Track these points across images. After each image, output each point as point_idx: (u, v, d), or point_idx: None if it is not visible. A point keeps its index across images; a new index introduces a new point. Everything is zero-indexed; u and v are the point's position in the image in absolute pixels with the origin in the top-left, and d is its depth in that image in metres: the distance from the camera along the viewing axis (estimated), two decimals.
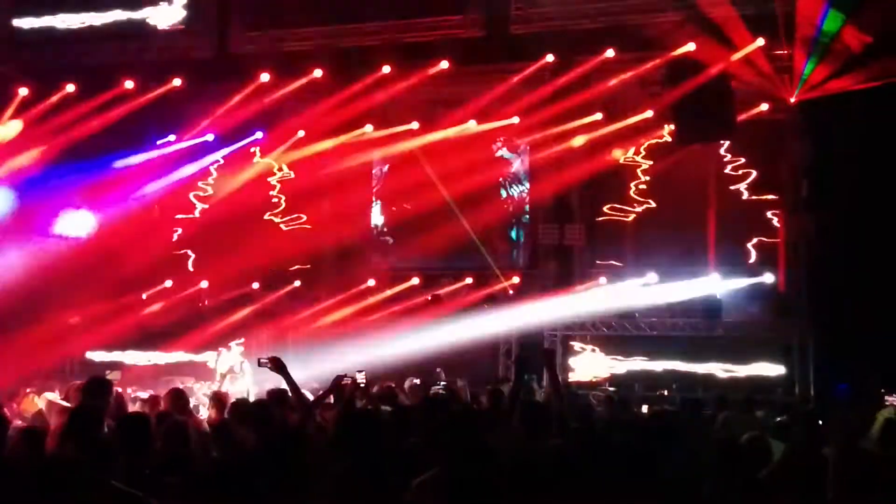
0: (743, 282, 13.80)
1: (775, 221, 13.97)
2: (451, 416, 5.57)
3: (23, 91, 14.53)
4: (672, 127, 13.48)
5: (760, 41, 12.61)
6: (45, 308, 13.85)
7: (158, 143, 15.52)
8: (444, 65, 13.80)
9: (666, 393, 12.98)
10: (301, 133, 15.09)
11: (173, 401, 7.42)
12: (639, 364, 13.93)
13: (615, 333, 14.37)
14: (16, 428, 6.14)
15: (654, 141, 14.24)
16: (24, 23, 15.13)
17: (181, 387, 9.20)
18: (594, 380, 14.09)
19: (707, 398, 10.29)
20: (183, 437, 5.71)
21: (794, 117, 13.32)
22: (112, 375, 11.43)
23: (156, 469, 5.10)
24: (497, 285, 15.06)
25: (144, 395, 9.28)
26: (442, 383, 10.78)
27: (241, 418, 6.32)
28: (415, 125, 14.98)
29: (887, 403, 10.79)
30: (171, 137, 15.45)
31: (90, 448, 4.75)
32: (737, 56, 12.68)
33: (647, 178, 14.48)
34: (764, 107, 13.40)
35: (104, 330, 14.14)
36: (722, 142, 13.86)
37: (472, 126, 14.67)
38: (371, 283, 15.53)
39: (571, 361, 14.38)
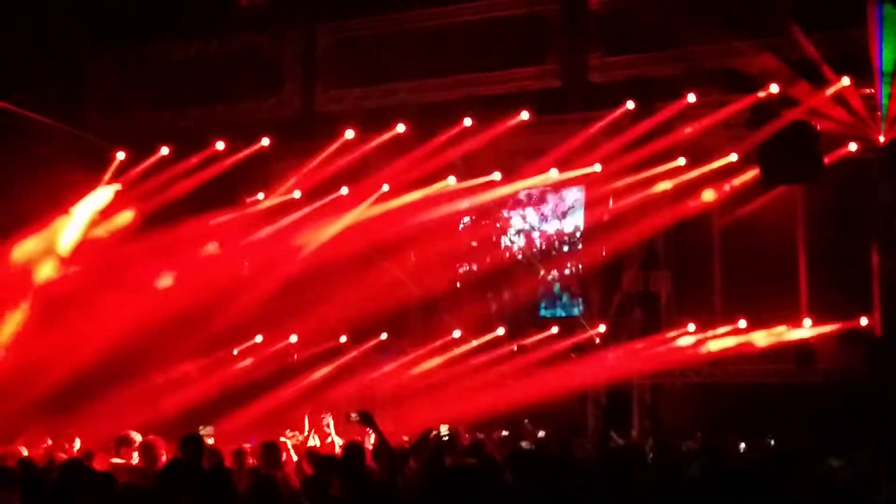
0: (836, 326, 13.44)
1: (868, 263, 13.60)
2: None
3: (120, 155, 15.07)
4: (757, 170, 13.27)
5: (846, 80, 12.40)
6: (140, 364, 14.26)
7: (248, 200, 15.89)
8: (524, 115, 13.89)
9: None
10: (385, 187, 15.31)
11: (264, 454, 7.52)
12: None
13: (705, 381, 14.09)
14: None
15: (739, 184, 14.03)
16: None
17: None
18: None
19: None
20: (274, 492, 5.79)
21: (882, 156, 13.01)
22: (205, 431, 11.65)
23: None
24: (583, 334, 14.95)
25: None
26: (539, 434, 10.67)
27: (330, 472, 6.39)
28: (497, 175, 15.07)
29: None
30: (260, 195, 15.82)
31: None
32: (822, 95, 12.49)
33: (734, 222, 14.27)
34: (852, 147, 13.13)
35: (199, 385, 14.48)
36: (810, 184, 13.60)
37: (553, 174, 14.69)
38: (457, 334, 15.57)
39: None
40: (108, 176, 15.22)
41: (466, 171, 15.13)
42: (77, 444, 9.81)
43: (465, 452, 8.24)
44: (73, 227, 15.01)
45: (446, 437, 7.42)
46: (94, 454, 8.68)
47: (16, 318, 14.20)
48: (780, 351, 13.57)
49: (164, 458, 7.48)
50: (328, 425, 10.86)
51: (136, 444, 8.01)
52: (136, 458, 7.90)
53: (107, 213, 15.23)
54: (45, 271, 14.70)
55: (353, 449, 7.09)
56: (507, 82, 14.25)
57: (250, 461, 7.63)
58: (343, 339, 15.92)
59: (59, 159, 14.35)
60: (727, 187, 14.13)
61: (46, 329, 13.61)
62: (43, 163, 14.17)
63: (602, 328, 14.89)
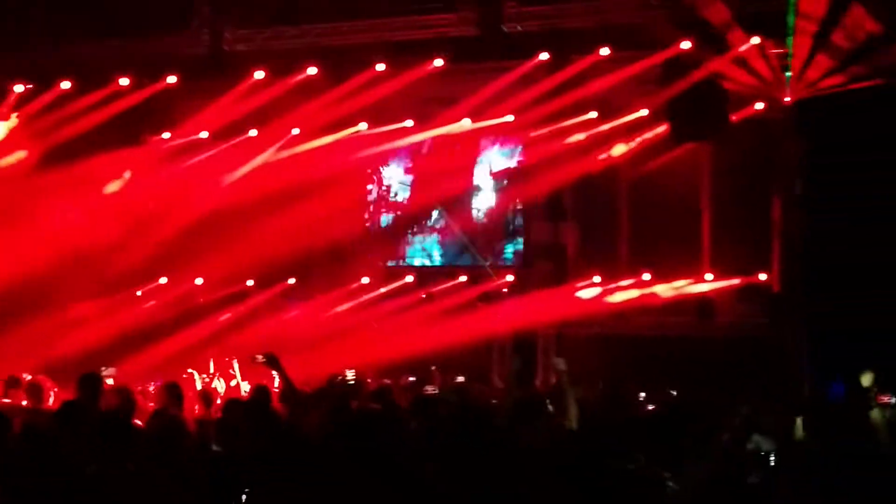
0: (736, 281, 13.82)
1: (769, 221, 13.98)
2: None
3: (18, 88, 14.48)
4: (666, 126, 13.47)
5: (756, 40, 12.62)
6: (39, 304, 13.87)
7: (153, 139, 15.48)
8: (438, 62, 13.80)
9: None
10: (295, 131, 15.07)
11: (167, 394, 7.42)
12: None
13: (609, 332, 14.38)
14: None
15: (648, 139, 14.22)
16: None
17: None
18: None
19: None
20: (179, 432, 5.71)
21: (788, 116, 13.33)
22: (107, 372, 11.43)
23: (148, 462, 5.10)
24: (491, 283, 15.08)
25: None
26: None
27: (237, 414, 6.32)
28: (409, 123, 14.98)
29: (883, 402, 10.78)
30: (166, 135, 15.42)
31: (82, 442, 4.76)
32: (732, 54, 12.70)
33: (642, 177, 14.49)
34: (759, 106, 13.41)
35: (100, 326, 14.17)
36: (716, 141, 13.86)
37: (466, 124, 14.66)
38: (365, 280, 15.55)
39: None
40: (4, 110, 14.63)
41: (378, 118, 15.01)
42: None
43: (370, 398, 8.26)
44: None
45: (352, 382, 7.41)
46: None
47: None
48: (682, 304, 13.90)
49: (51, 399, 7.34)
50: (234, 368, 10.77)
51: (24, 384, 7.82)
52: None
53: (4, 148, 14.65)
54: None
55: (260, 392, 7.03)
56: (421, 28, 14.09)
57: (150, 403, 7.52)
58: (250, 282, 15.74)
59: None
60: (636, 142, 14.32)
61: None
62: None
63: (509, 277, 15.03)
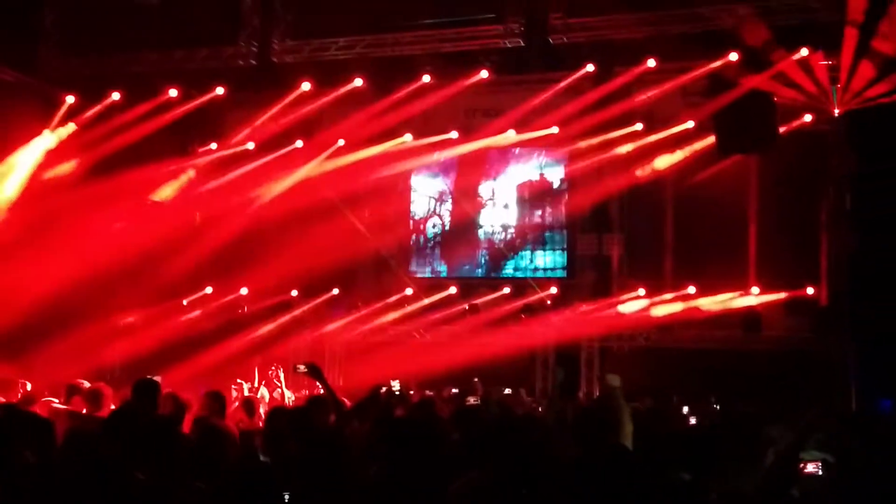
0: (783, 295, 13.65)
1: (817, 234, 13.80)
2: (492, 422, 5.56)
3: (70, 99, 14.72)
4: (713, 138, 13.35)
5: (804, 51, 12.48)
6: (87, 313, 14.05)
7: (200, 150, 15.66)
8: (484, 74, 13.82)
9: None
10: (341, 142, 15.17)
11: (210, 403, 7.46)
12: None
13: (653, 345, 14.26)
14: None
15: (694, 151, 14.10)
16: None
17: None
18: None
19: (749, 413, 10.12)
20: (220, 440, 5.74)
21: (837, 129, 13.16)
22: (156, 379, 11.50)
23: (188, 472, 5.13)
24: (534, 295, 15.03)
25: None
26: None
27: (282, 424, 6.34)
28: (454, 134, 15.01)
29: None
30: (213, 146, 15.59)
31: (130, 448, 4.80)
32: (781, 66, 12.56)
33: (688, 189, 14.38)
34: (807, 118, 13.25)
35: (147, 335, 14.33)
36: (764, 153, 13.71)
37: (511, 135, 14.65)
38: (409, 291, 15.58)
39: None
40: (56, 120, 14.87)
41: (424, 129, 15.05)
42: (28, 387, 9.65)
43: (413, 409, 8.25)
44: (18, 171, 14.64)
45: (397, 393, 7.40)
46: (35, 399, 8.56)
47: None
48: (728, 318, 13.75)
49: (111, 407, 7.41)
50: (278, 378, 10.82)
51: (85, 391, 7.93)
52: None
53: (55, 158, 14.88)
54: None
55: (315, 402, 7.03)
56: (467, 40, 14.11)
57: (195, 410, 7.56)
58: (294, 293, 15.84)
59: (6, 105, 13.93)
60: (682, 154, 14.21)
61: None
62: None
63: (553, 290, 14.97)
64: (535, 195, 15.66)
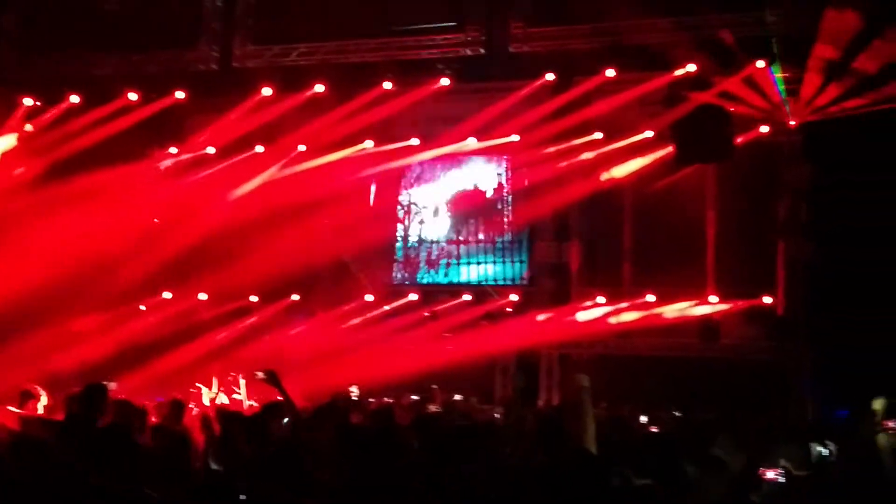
0: (741, 303, 13.80)
1: (774, 244, 13.98)
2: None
3: (27, 101, 14.55)
4: (671, 148, 13.50)
5: (761, 63, 12.67)
6: (43, 317, 13.88)
7: (159, 154, 15.53)
8: (445, 81, 13.86)
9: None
10: (302, 147, 15.13)
11: (171, 410, 7.41)
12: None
13: (611, 353, 14.35)
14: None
15: (653, 161, 14.24)
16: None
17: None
18: None
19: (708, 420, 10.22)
20: (183, 449, 5.69)
21: (793, 140, 13.36)
22: (109, 385, 11.37)
23: (150, 480, 5.08)
24: (495, 303, 15.07)
25: None
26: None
27: (238, 430, 6.30)
28: (415, 141, 15.04)
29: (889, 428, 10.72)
30: (172, 150, 15.47)
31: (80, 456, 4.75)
32: (737, 77, 12.74)
33: (646, 198, 14.50)
34: (764, 129, 13.43)
35: (103, 340, 14.17)
36: (721, 163, 13.88)
37: (471, 143, 14.71)
38: (369, 298, 15.55)
39: None
40: (13, 123, 14.70)
41: (384, 136, 15.05)
42: None
43: (371, 416, 8.24)
44: None
45: (355, 399, 7.40)
46: None
47: None
48: (686, 326, 13.88)
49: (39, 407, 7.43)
50: (237, 384, 10.76)
51: (39, 396, 7.88)
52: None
53: (10, 161, 14.70)
54: None
55: (268, 408, 7.01)
56: (428, 48, 14.17)
57: (152, 418, 7.50)
58: (253, 298, 15.75)
59: None
60: (641, 163, 14.33)
61: None
62: None
63: (514, 297, 15.02)
64: (470, 206, 15.72)
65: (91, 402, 6.46)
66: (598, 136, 14.11)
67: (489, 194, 15.67)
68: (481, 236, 15.63)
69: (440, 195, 15.98)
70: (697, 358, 13.83)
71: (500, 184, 15.59)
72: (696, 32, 12.83)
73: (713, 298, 13.91)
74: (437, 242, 15.86)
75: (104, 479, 4.69)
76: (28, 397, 8.18)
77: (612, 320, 14.28)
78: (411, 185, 16.11)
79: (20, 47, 15.47)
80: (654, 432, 9.72)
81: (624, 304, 14.34)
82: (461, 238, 15.69)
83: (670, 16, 12.98)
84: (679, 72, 12.95)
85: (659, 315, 14.05)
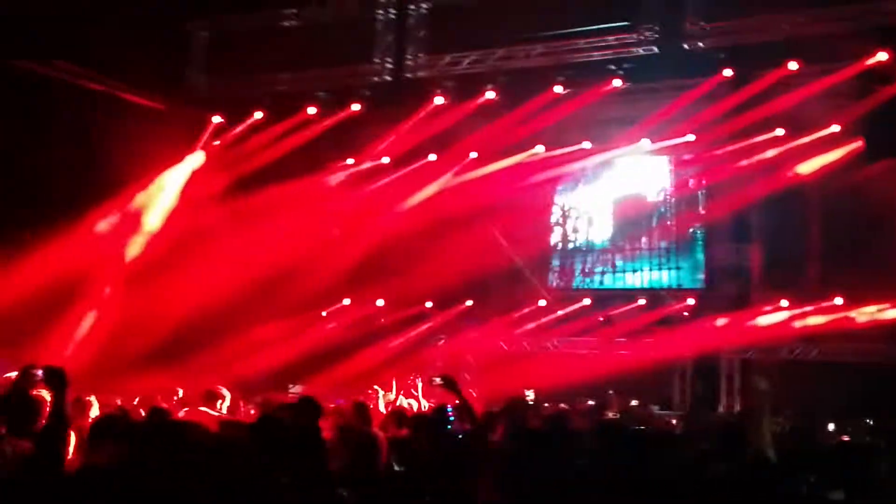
0: None
1: None
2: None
3: (216, 119, 15.31)
4: (861, 141, 12.79)
5: None
6: (231, 325, 14.59)
7: (337, 166, 16.03)
8: (617, 82, 13.64)
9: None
10: (474, 154, 15.26)
11: (357, 413, 7.59)
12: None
13: (798, 358, 13.76)
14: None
15: (840, 156, 13.54)
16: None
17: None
18: None
19: None
20: (371, 450, 5.80)
21: None
22: (294, 389, 11.85)
23: (339, 481, 5.23)
24: (671, 307, 14.73)
25: None
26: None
27: (420, 432, 6.41)
28: (587, 145, 14.89)
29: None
30: (349, 161, 15.94)
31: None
32: None
33: (832, 195, 13.82)
34: None
35: (287, 346, 14.77)
36: None
37: (645, 144, 14.42)
38: (542, 303, 15.52)
39: None
40: (203, 141, 15.49)
41: (556, 140, 14.98)
42: (180, 393, 10.12)
43: (547, 420, 8.20)
44: (167, 191, 15.32)
45: (531, 403, 7.39)
46: (187, 404, 9.01)
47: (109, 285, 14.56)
48: (877, 330, 13.13)
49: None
50: (416, 388, 10.95)
51: (224, 397, 8.28)
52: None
53: (202, 177, 15.50)
54: (144, 230, 15.06)
55: (440, 410, 7.08)
56: (600, 49, 13.96)
57: (339, 420, 7.72)
58: (429, 304, 16.03)
59: (155, 130, 14.60)
60: (827, 159, 13.65)
61: (140, 292, 13.95)
62: (139, 135, 14.39)
63: (691, 301, 14.64)
64: (633, 212, 15.42)
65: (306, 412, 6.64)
66: (780, 132, 13.53)
67: (651, 198, 15.34)
68: (644, 242, 15.31)
69: (600, 200, 15.78)
70: (890, 364, 13.05)
71: (664, 188, 15.25)
72: (884, 18, 12.07)
73: None
74: (594, 250, 15.68)
75: (296, 479, 4.86)
76: (213, 397, 8.60)
77: (797, 324, 13.69)
78: (568, 189, 16.00)
79: (208, 69, 16.32)
80: (844, 441, 9.22)
81: (809, 308, 13.72)
82: (622, 245, 15.44)
83: (854, 3, 12.29)
84: (868, 62, 12.21)
85: (848, 319, 13.38)
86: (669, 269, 15.18)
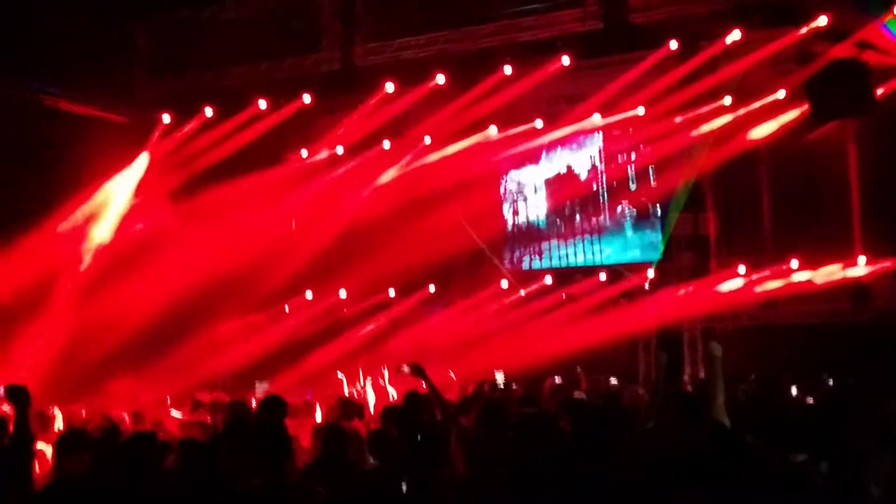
0: (892, 264, 13.18)
1: None
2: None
3: (165, 118, 15.14)
4: (806, 106, 12.96)
5: None
6: (196, 321, 14.52)
7: (292, 158, 15.94)
8: (565, 60, 13.70)
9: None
10: (427, 139, 15.26)
11: (341, 408, 7.60)
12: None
13: (758, 323, 13.96)
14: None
15: (787, 121, 13.70)
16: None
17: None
18: None
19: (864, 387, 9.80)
20: (347, 444, 5.82)
21: None
22: (261, 386, 11.83)
23: (313, 475, 5.23)
24: (631, 280, 14.86)
25: None
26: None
27: (392, 422, 6.43)
28: (538, 123, 14.95)
29: None
30: (303, 153, 15.86)
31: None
32: (874, 25, 12.12)
33: (783, 160, 14.00)
34: None
35: (251, 343, 14.72)
36: (861, 118, 13.25)
37: (596, 120, 14.51)
38: (505, 283, 15.59)
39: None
40: (153, 142, 15.32)
41: (508, 120, 15.01)
42: (140, 400, 10.05)
43: (519, 402, 8.27)
44: (119, 195, 15.14)
45: (502, 386, 7.43)
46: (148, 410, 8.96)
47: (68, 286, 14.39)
48: (835, 290, 13.36)
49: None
50: (383, 377, 10.97)
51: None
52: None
53: (155, 178, 15.34)
54: (98, 237, 14.89)
55: (411, 398, 7.10)
56: (546, 27, 14.02)
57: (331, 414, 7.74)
58: (391, 292, 16.03)
59: (103, 135, 14.39)
60: (774, 125, 13.82)
61: (97, 298, 13.80)
62: (86, 142, 14.17)
63: (650, 273, 14.78)
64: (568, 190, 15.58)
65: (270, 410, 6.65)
66: (728, 101, 13.67)
67: (584, 177, 15.47)
68: (597, 219, 15.43)
69: (543, 178, 15.88)
70: (848, 323, 13.30)
71: (594, 166, 15.36)
72: None
73: (862, 260, 13.33)
74: (542, 228, 15.79)
75: (266, 478, 4.87)
76: (198, 406, 8.58)
77: (756, 290, 13.88)
78: (521, 169, 16.06)
79: (152, 67, 16.13)
80: (808, 404, 9.39)
81: (766, 273, 13.93)
82: (570, 222, 15.57)
83: None
84: (810, 26, 12.36)
85: (805, 281, 13.59)
86: (626, 243, 15.29)
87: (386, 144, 15.51)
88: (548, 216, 15.84)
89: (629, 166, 15.29)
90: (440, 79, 14.20)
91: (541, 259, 15.89)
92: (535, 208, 15.98)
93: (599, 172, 15.48)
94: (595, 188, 15.51)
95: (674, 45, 13.31)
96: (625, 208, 15.30)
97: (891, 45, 12.28)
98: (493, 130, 15.14)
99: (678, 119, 13.98)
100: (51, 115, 13.85)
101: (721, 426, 5.55)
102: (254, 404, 8.30)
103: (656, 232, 15.02)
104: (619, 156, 15.37)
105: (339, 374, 11.49)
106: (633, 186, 15.24)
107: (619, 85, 13.88)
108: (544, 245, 15.86)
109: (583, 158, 15.60)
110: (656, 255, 14.96)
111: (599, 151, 15.46)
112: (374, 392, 10.71)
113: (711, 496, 4.53)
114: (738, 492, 4.53)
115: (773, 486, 4.64)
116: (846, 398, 8.30)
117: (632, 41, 13.84)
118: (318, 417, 8.22)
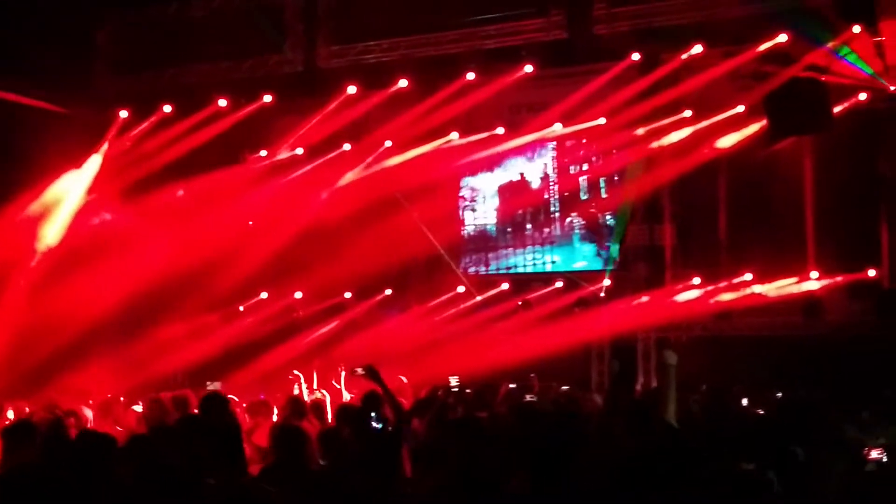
0: (844, 279, 13.39)
1: (877, 215, 13.51)
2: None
3: (123, 114, 14.96)
4: (765, 122, 13.14)
5: (856, 28, 12.21)
6: (149, 319, 14.35)
7: (251, 158, 15.82)
8: (528, 68, 13.76)
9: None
10: (388, 143, 15.23)
11: (292, 408, 7.54)
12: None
13: (711, 334, 14.09)
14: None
15: (746, 136, 13.88)
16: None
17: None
18: None
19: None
20: (301, 445, 5.76)
21: (893, 105, 12.86)
22: (213, 385, 11.70)
23: (267, 476, 5.17)
24: (587, 288, 14.93)
25: None
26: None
27: (345, 423, 6.39)
28: (500, 130, 14.99)
29: None
30: (263, 153, 15.75)
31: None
32: (832, 44, 12.32)
33: (740, 175, 14.17)
34: (862, 96, 12.96)
35: (205, 341, 14.57)
36: (818, 135, 13.45)
37: (557, 129, 14.58)
38: (461, 289, 15.60)
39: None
40: (109, 138, 15.12)
41: (469, 127, 15.03)
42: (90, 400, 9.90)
43: (471, 405, 8.27)
44: (72, 192, 14.92)
45: (455, 389, 7.43)
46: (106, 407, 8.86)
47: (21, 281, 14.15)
48: (787, 304, 13.53)
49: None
50: (338, 379, 10.92)
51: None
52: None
53: (110, 175, 15.15)
54: (50, 233, 14.65)
55: (370, 398, 7.06)
56: (511, 35, 14.07)
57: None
58: (348, 295, 15.96)
59: (60, 131, 14.16)
60: (733, 140, 13.98)
61: (52, 291, 13.59)
62: (42, 139, 13.95)
63: (607, 282, 14.86)
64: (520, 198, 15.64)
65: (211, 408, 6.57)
66: (688, 114, 13.82)
67: (535, 185, 15.54)
68: (551, 228, 15.50)
69: (496, 186, 15.93)
70: (800, 337, 13.48)
71: (545, 175, 15.44)
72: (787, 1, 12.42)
73: (814, 274, 13.53)
74: (495, 236, 15.83)
75: (217, 477, 4.80)
76: (157, 402, 8.45)
77: (711, 301, 14.02)
78: (479, 176, 16.08)
79: (112, 64, 15.93)
80: (758, 414, 9.49)
81: (721, 284, 14.07)
82: (511, 231, 15.64)
83: None
84: (769, 44, 12.54)
85: (759, 294, 13.75)
86: (582, 252, 15.36)
87: (346, 147, 15.45)
88: (498, 224, 15.86)
89: (581, 178, 15.36)
90: (402, 83, 14.19)
91: (487, 267, 15.91)
92: (488, 215, 15.99)
93: (552, 182, 15.53)
94: (547, 198, 15.55)
95: (636, 56, 13.44)
96: (574, 219, 15.37)
97: (846, 69, 12.50)
98: (454, 136, 15.14)
99: (639, 131, 14.08)
100: (2, 108, 13.59)
101: (673, 431, 5.58)
102: None
103: (606, 243, 15.11)
104: (573, 167, 15.45)
105: (296, 373, 11.40)
106: (584, 197, 15.31)
107: (581, 95, 13.97)
108: (498, 252, 15.87)
109: (536, 168, 15.64)
110: (606, 266, 15.03)
111: (553, 161, 15.50)
112: (329, 394, 10.65)
113: (662, 502, 4.55)
114: (689, 497, 4.54)
115: (723, 492, 4.66)
116: (798, 409, 8.43)
117: (595, 52, 13.95)
118: (276, 417, 8.17)
